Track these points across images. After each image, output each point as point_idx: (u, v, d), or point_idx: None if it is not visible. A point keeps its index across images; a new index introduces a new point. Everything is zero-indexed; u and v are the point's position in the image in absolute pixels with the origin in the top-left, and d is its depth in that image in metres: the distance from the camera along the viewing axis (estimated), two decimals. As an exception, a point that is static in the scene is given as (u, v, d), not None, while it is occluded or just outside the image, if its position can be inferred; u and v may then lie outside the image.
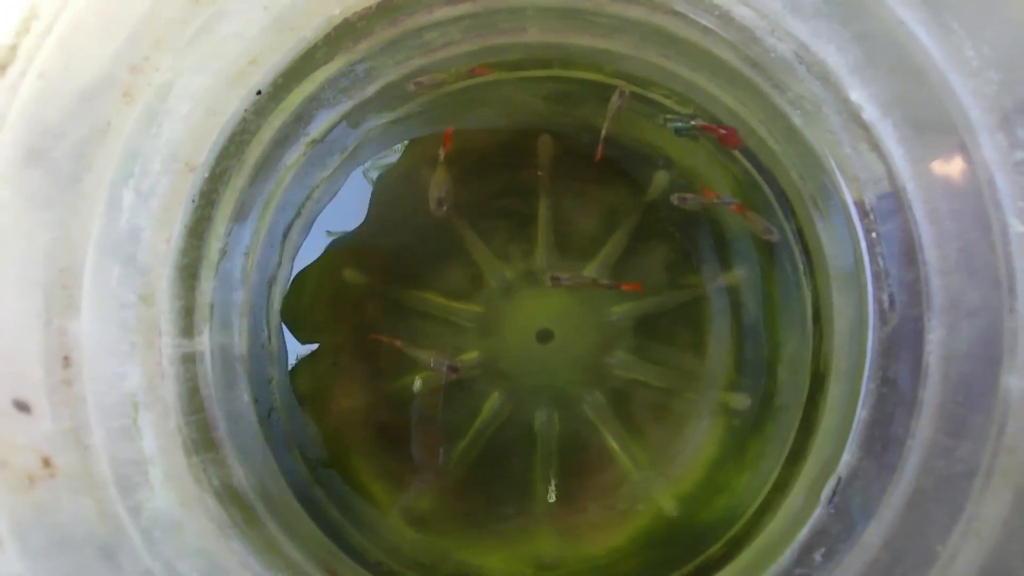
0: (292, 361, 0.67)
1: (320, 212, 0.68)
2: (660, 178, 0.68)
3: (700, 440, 0.66)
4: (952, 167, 0.54)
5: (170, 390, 0.55)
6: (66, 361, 0.49)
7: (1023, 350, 0.50)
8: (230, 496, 0.56)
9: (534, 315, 0.67)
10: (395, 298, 0.68)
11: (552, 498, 0.66)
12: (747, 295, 0.67)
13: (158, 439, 0.53)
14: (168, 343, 0.56)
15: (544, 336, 0.67)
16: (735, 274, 0.67)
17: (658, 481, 0.65)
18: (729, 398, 0.66)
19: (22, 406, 0.47)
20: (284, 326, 0.66)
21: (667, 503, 0.64)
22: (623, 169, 0.69)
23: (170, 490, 0.53)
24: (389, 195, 0.68)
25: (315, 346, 0.68)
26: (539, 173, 0.69)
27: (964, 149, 0.52)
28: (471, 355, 0.67)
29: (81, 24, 0.50)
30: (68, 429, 0.48)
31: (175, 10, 0.53)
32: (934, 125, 0.54)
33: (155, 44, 0.53)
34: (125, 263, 0.54)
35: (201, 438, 0.57)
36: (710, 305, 0.67)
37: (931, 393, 0.54)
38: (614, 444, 0.66)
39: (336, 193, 0.68)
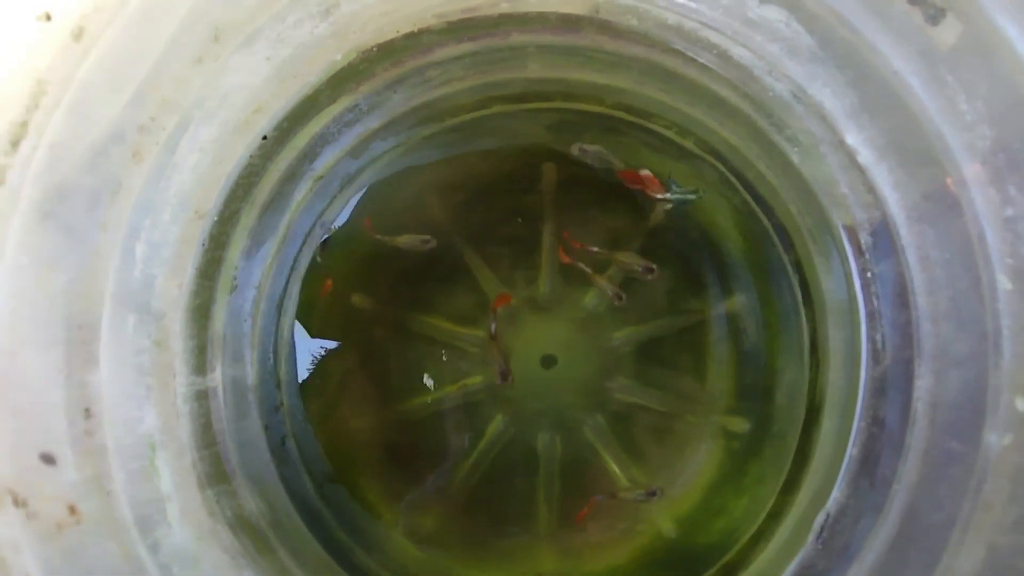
0: (301, 385, 0.70)
1: (327, 239, 0.70)
2: (661, 203, 0.69)
3: (699, 462, 0.68)
4: (944, 218, 0.54)
5: (184, 427, 0.59)
6: (87, 413, 0.53)
7: (1005, 408, 0.50)
8: (242, 526, 0.60)
9: (538, 340, 0.69)
10: (402, 322, 0.70)
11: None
12: (746, 321, 0.68)
13: (174, 476, 0.57)
14: (182, 382, 0.59)
15: (548, 361, 0.69)
16: (735, 300, 0.68)
17: (658, 503, 0.68)
18: (728, 421, 0.68)
19: (48, 459, 0.51)
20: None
21: (666, 524, 0.67)
22: (624, 195, 0.70)
23: (186, 525, 0.56)
24: (394, 221, 0.70)
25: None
26: (542, 199, 0.70)
27: (956, 201, 0.52)
28: (476, 379, 0.70)
29: (88, 92, 0.52)
30: (91, 477, 0.52)
31: (179, 71, 0.55)
32: (928, 174, 0.54)
33: (161, 104, 0.55)
34: (140, 311, 0.57)
35: (215, 471, 0.60)
36: (710, 330, 0.69)
37: (917, 438, 0.55)
38: (615, 466, 0.68)
39: (342, 220, 0.70)
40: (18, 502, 0.49)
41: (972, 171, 0.52)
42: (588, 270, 0.67)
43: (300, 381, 0.69)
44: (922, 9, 0.51)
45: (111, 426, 0.54)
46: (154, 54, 0.54)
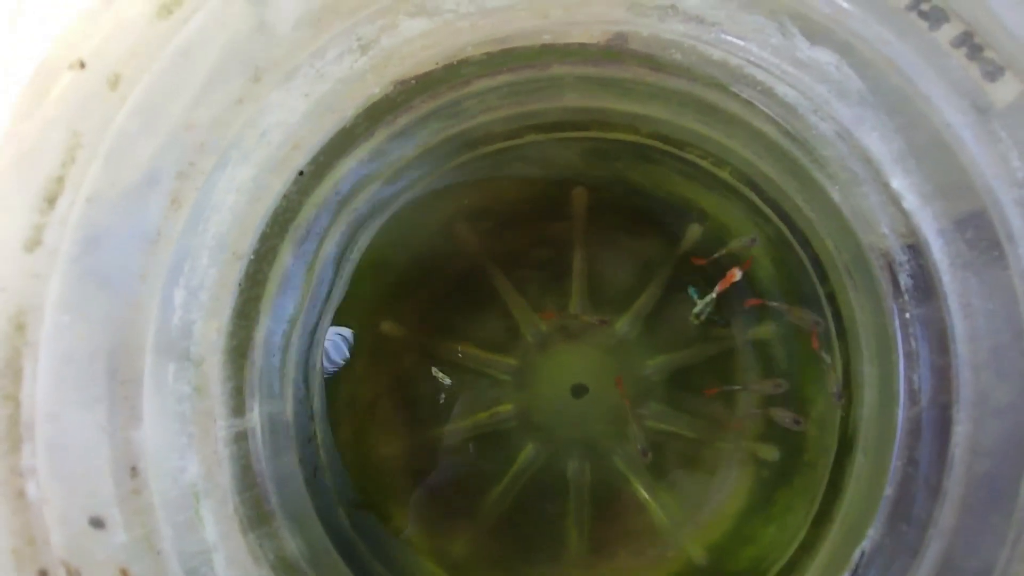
0: (332, 414, 0.69)
1: (359, 267, 0.69)
2: (693, 231, 0.69)
3: (729, 490, 0.69)
4: (989, 268, 0.54)
5: (225, 472, 0.58)
6: (133, 471, 0.52)
7: (1046, 461, 0.52)
8: (284, 568, 0.60)
9: (568, 369, 0.69)
10: (431, 349, 0.70)
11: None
12: (777, 350, 0.68)
13: (219, 525, 0.56)
14: (222, 425, 0.58)
15: (578, 390, 0.69)
16: (765, 328, 0.69)
17: (687, 529, 0.69)
18: (758, 448, 0.69)
19: (97, 523, 0.50)
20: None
21: (696, 551, 0.68)
22: (656, 221, 0.69)
23: (232, 574, 0.56)
24: (426, 248, 0.69)
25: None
26: (573, 225, 0.69)
27: (1003, 254, 0.53)
28: (506, 407, 0.70)
29: (125, 140, 0.50)
30: (140, 537, 0.51)
31: (218, 113, 0.53)
32: (974, 226, 0.54)
33: (199, 148, 0.53)
34: (179, 359, 0.56)
35: (255, 514, 0.59)
36: (740, 358, 0.69)
37: (955, 483, 0.56)
38: (644, 493, 0.69)
39: (374, 248, 0.69)
40: (71, 573, 0.48)
41: (1020, 227, 0.52)
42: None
43: (331, 410, 0.68)
44: (980, 65, 0.51)
45: (156, 480, 0.53)
46: (192, 97, 0.52)
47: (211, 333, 0.58)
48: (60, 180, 0.47)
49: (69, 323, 0.49)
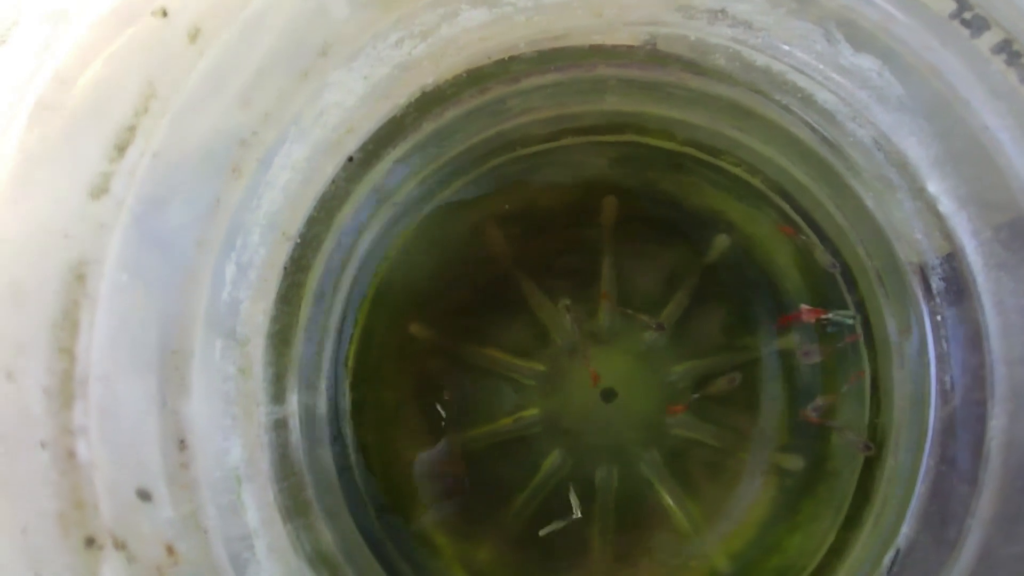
0: (359, 415, 0.67)
1: (390, 268, 0.68)
2: (720, 241, 0.70)
3: (753, 499, 0.69)
4: (1022, 266, 0.57)
5: (265, 459, 0.56)
6: (182, 444, 0.49)
7: (1083, 450, 0.53)
8: (321, 559, 0.57)
9: (598, 374, 0.69)
10: (459, 353, 0.69)
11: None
12: (803, 359, 0.69)
13: (260, 511, 0.54)
14: (263, 411, 0.56)
15: (607, 395, 0.69)
16: (790, 338, 0.70)
17: (712, 538, 0.68)
18: (782, 459, 0.69)
19: (144, 495, 0.47)
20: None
21: (720, 561, 0.67)
22: (684, 231, 0.70)
23: (274, 562, 0.53)
24: (457, 251, 0.69)
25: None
26: (602, 232, 0.70)
27: (1037, 251, 0.55)
28: (533, 412, 0.69)
29: (195, 100, 0.49)
30: (188, 514, 0.49)
31: (285, 83, 0.53)
32: (1010, 227, 0.57)
33: (264, 118, 0.53)
34: (226, 336, 0.54)
35: (294, 504, 0.57)
36: (765, 367, 0.70)
37: (991, 476, 0.57)
38: (670, 501, 0.68)
39: (406, 249, 0.68)
40: (118, 544, 0.45)
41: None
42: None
43: (358, 411, 0.67)
44: (1018, 71, 0.54)
45: (203, 458, 0.51)
46: (263, 62, 0.51)
47: (257, 314, 0.56)
48: (132, 129, 0.46)
49: (127, 283, 0.47)
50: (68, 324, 0.44)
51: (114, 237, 0.46)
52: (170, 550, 0.47)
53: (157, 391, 0.49)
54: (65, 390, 0.43)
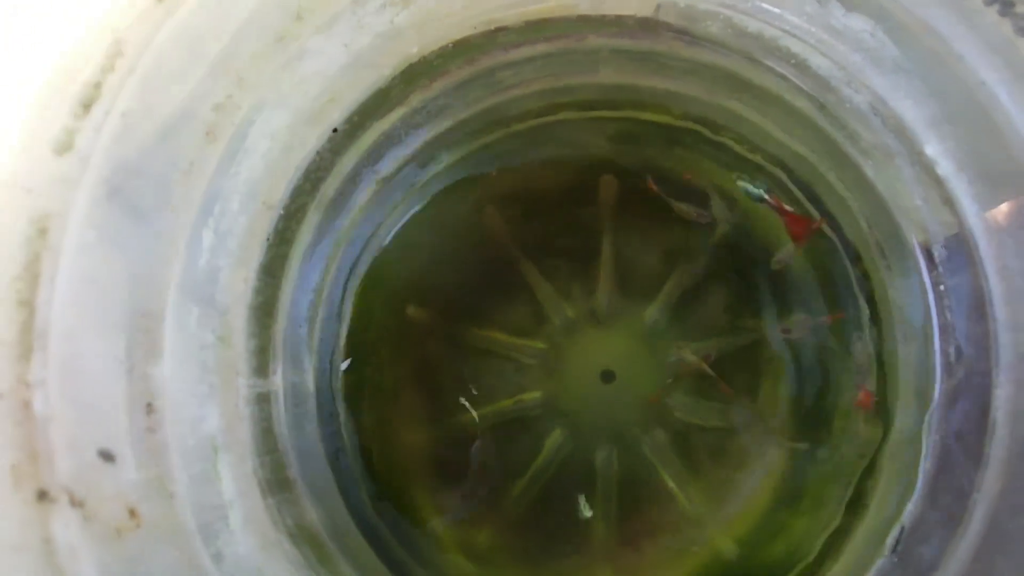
0: (355, 396, 0.66)
1: (385, 248, 0.67)
2: (721, 219, 0.68)
3: (758, 481, 0.66)
4: (1024, 230, 0.54)
5: (246, 431, 0.55)
6: (149, 408, 0.48)
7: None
8: (304, 536, 0.56)
9: (597, 355, 0.67)
10: (457, 335, 0.68)
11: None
12: (806, 339, 0.67)
13: (236, 482, 0.53)
14: (243, 383, 0.55)
15: (607, 376, 0.67)
16: (794, 319, 0.68)
17: (716, 521, 0.66)
18: (787, 439, 0.66)
19: (107, 456, 0.46)
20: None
21: (725, 544, 0.65)
22: (684, 210, 0.69)
23: (249, 534, 0.52)
24: (453, 231, 0.68)
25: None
26: (601, 212, 0.69)
27: (1040, 210, 0.53)
28: (534, 394, 0.67)
29: (165, 61, 0.49)
30: (153, 477, 0.48)
31: (259, 47, 0.53)
32: (1010, 185, 0.54)
33: (238, 82, 0.52)
34: (204, 303, 0.53)
35: (275, 478, 0.56)
36: (769, 348, 0.68)
37: (998, 448, 0.54)
38: (672, 484, 0.66)
39: (401, 229, 0.67)
40: (75, 502, 0.44)
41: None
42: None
43: (354, 393, 0.66)
44: (1012, 21, 0.52)
45: (173, 424, 0.50)
46: (235, 25, 0.51)
47: (238, 283, 0.55)
48: (97, 86, 0.46)
49: (95, 240, 0.47)
50: (29, 276, 0.43)
51: (80, 194, 0.46)
52: (132, 512, 0.46)
53: (124, 352, 0.48)
54: (23, 341, 0.43)
